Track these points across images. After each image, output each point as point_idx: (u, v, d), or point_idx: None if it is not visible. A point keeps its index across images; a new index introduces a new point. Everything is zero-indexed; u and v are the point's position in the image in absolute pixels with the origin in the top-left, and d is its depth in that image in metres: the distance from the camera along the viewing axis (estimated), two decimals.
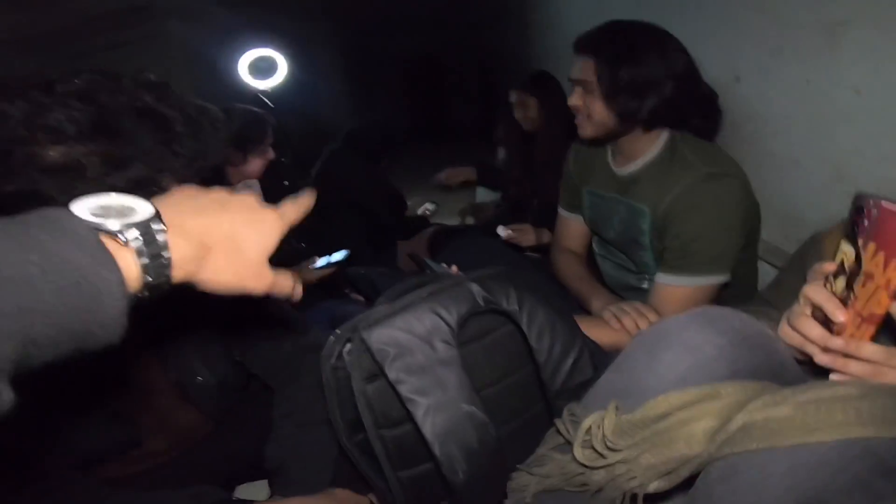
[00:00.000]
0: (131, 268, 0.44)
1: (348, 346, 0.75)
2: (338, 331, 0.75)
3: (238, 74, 3.37)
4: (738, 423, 0.58)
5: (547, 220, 2.13)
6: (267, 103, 3.14)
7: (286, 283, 0.59)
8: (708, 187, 1.22)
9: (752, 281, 1.46)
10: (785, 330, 0.72)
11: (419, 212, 2.86)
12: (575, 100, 1.32)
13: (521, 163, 2.51)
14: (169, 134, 0.71)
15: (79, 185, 0.66)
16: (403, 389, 0.67)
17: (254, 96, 3.22)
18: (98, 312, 0.40)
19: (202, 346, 0.95)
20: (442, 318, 0.70)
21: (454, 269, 1.18)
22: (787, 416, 0.57)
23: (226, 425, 1.07)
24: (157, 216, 0.45)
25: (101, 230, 0.43)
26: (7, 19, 3.82)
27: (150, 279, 0.45)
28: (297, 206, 0.59)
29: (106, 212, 0.44)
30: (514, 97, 2.39)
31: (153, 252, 0.44)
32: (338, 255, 1.70)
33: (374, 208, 2.42)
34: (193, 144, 0.74)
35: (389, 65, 11.99)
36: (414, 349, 0.68)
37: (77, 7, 4.01)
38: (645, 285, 1.43)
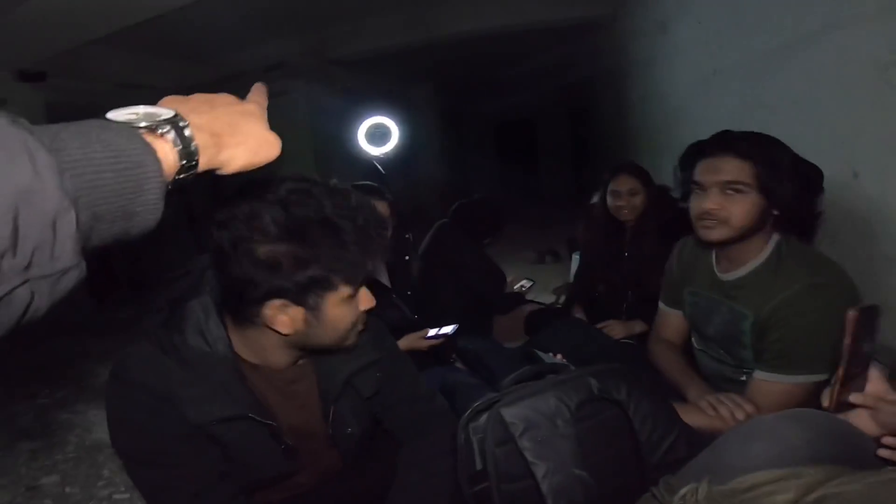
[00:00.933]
0: (169, 157, 0.54)
1: (483, 416, 1.01)
2: (476, 404, 1.02)
3: (356, 140, 3.78)
4: (815, 496, 0.77)
5: (639, 311, 2.29)
6: (380, 171, 3.54)
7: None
8: (811, 297, 1.34)
9: None
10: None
11: (516, 288, 3.08)
12: (711, 203, 1.41)
13: (608, 256, 2.52)
14: (341, 242, 0.95)
15: (275, 277, 0.93)
16: (529, 455, 0.92)
17: (370, 163, 3.63)
18: (144, 193, 0.49)
19: (356, 406, 1.23)
20: (563, 402, 0.95)
21: (559, 356, 1.43)
22: (857, 490, 0.76)
23: (355, 467, 1.34)
24: (179, 115, 0.57)
25: (141, 128, 0.53)
26: (176, 70, 4.69)
27: (184, 164, 0.56)
28: (259, 94, 0.73)
29: (137, 117, 0.55)
30: (621, 184, 2.38)
31: (184, 142, 0.56)
32: (448, 328, 1.97)
33: (476, 284, 2.67)
34: (359, 252, 0.97)
35: (484, 127, 12.61)
36: (540, 424, 0.93)
37: (230, 63, 4.85)
38: (742, 378, 1.53)
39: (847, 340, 0.91)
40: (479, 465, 1.02)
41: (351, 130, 3.86)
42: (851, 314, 0.92)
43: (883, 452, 0.88)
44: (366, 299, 1.08)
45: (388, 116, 3.84)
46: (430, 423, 1.30)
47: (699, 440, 1.04)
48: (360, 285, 1.05)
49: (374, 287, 2.00)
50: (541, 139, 12.23)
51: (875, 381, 0.97)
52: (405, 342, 1.94)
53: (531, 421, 0.93)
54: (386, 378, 1.24)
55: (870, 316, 0.94)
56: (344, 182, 1.04)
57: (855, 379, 0.95)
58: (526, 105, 11.41)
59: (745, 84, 2.88)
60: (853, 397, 0.95)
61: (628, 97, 5.49)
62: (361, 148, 3.72)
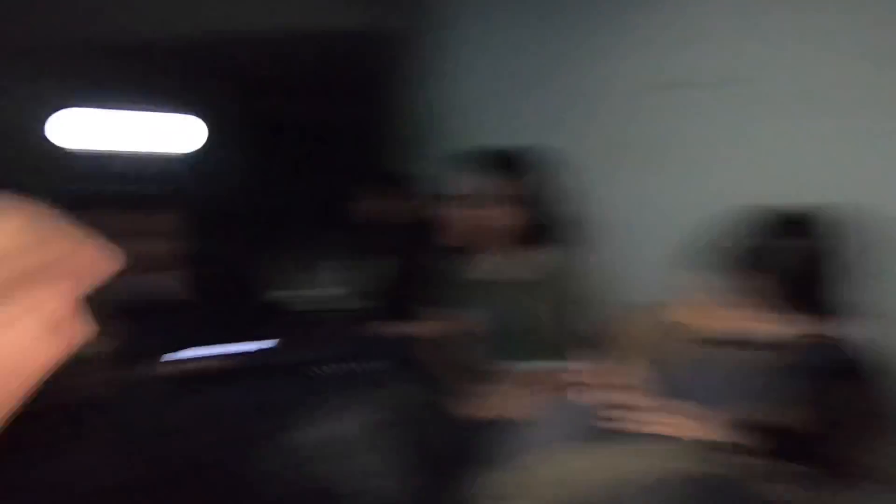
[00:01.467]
0: None
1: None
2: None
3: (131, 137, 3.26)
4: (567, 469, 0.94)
5: (410, 313, 2.32)
6: (176, 171, 3.12)
7: None
8: (564, 292, 1.51)
9: None
10: None
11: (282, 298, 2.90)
12: (465, 213, 1.51)
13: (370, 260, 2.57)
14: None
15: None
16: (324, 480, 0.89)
17: (162, 164, 3.18)
18: None
19: None
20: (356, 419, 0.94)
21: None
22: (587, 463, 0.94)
23: None
24: None
25: None
26: None
27: None
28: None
29: None
30: (370, 195, 2.55)
31: None
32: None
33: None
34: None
35: (272, 132, 11.96)
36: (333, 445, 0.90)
37: None
38: (517, 369, 1.58)
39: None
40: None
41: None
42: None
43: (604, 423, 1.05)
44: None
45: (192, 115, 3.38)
46: None
47: (490, 430, 1.13)
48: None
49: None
50: (328, 147, 12.01)
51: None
52: None
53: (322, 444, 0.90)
54: None
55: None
56: None
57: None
58: (314, 111, 11.09)
59: (513, 100, 3.04)
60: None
61: (406, 106, 5.56)
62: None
